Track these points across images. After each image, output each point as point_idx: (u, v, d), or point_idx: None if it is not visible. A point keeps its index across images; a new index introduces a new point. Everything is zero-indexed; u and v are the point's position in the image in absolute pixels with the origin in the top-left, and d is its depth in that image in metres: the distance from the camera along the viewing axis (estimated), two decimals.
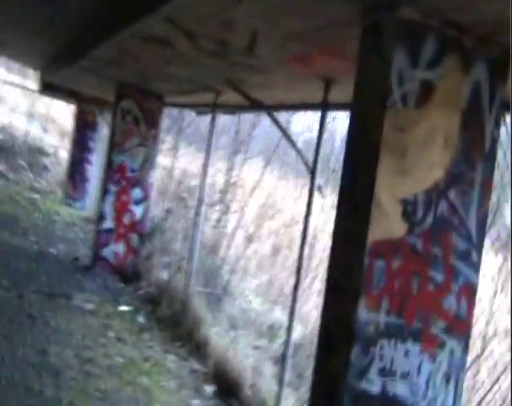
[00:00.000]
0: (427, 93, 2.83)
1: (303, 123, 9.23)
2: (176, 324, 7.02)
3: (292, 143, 5.57)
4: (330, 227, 6.39)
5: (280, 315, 7.41)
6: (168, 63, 6.44)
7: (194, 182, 10.33)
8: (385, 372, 2.78)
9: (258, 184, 9.34)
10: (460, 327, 2.88)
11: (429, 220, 2.84)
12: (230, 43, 4.64)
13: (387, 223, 2.79)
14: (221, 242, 9.15)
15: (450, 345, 2.86)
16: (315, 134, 8.22)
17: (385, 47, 2.83)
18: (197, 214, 7.79)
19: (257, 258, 9.27)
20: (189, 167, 11.05)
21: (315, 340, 5.96)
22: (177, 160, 11.68)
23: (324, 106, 4.86)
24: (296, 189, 7.95)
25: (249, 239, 9.19)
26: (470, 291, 2.90)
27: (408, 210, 2.81)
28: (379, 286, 2.76)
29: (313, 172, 4.90)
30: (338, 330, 2.84)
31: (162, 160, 10.96)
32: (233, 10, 3.70)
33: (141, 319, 7.14)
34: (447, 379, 2.90)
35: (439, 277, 2.85)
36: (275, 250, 9.13)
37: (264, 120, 8.51)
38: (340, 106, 5.02)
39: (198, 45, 5.02)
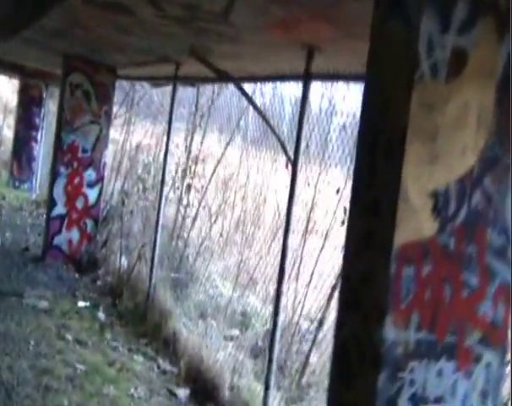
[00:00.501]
0: (458, 63, 2.34)
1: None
2: (140, 318, 6.47)
3: (270, 125, 5.06)
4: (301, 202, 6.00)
5: (251, 300, 6.92)
6: (123, 32, 5.78)
7: (149, 157, 9.76)
8: (416, 399, 2.33)
9: (221, 159, 8.79)
10: (497, 336, 2.45)
11: (462, 214, 2.38)
12: (200, 8, 4.06)
13: (416, 221, 2.31)
14: (184, 223, 8.62)
15: (487, 358, 2.43)
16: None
17: (411, 9, 2.32)
18: (159, 197, 7.20)
19: (222, 238, 8.74)
20: (143, 141, 10.40)
21: (296, 329, 5.59)
22: (129, 134, 11.01)
23: (307, 77, 4.33)
24: (262, 161, 7.42)
25: (213, 219, 8.68)
26: (506, 293, 2.47)
27: (439, 204, 2.34)
28: (408, 298, 2.29)
29: (295, 161, 4.39)
30: (358, 353, 2.37)
31: (114, 134, 10.30)
32: None
33: (101, 315, 6.56)
34: (484, 397, 2.47)
35: (473, 280, 2.40)
36: (241, 229, 8.61)
37: (226, 91, 7.97)
38: (324, 77, 4.51)
39: (161, 10, 4.41)
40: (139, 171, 9.14)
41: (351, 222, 2.53)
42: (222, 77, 5.66)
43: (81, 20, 5.80)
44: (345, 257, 2.54)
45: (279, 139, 5.34)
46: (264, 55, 4.93)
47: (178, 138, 8.39)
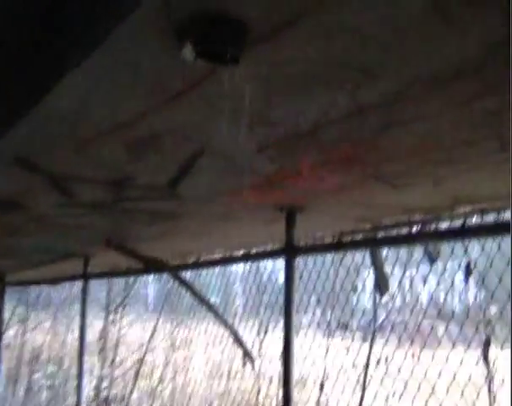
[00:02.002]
0: None
1: None
2: None
3: (223, 321, 3.82)
4: None
5: None
6: (12, 233, 4.42)
7: (54, 367, 8.19)
8: None
9: (144, 358, 7.37)
10: None
11: None
12: (132, 184, 2.83)
13: None
14: None
15: None
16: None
17: None
18: None
19: None
20: (44, 341, 8.75)
21: None
22: (26, 338, 9.35)
23: (289, 252, 3.13)
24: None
25: None
26: None
27: None
28: None
29: (286, 350, 3.08)
30: None
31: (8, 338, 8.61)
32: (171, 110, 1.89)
33: None
34: None
35: None
36: None
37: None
38: (312, 249, 3.33)
39: (70, 196, 3.14)
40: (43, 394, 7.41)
41: None
42: (152, 267, 4.35)
43: None
44: None
45: (236, 337, 4.12)
46: (218, 229, 3.72)
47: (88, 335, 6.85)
